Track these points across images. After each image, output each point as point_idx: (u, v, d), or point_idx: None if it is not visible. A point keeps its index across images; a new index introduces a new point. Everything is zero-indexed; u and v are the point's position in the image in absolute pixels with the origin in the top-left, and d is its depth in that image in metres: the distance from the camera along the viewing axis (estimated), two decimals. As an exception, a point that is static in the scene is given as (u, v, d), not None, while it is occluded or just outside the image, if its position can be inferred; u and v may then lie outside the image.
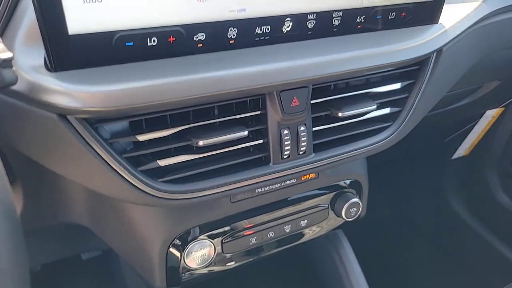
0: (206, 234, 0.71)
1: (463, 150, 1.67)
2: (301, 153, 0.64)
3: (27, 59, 0.47)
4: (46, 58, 0.46)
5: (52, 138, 0.50)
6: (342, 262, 0.95)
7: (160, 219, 0.68)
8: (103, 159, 0.52)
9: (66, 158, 0.53)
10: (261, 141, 0.63)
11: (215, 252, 0.72)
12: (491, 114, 1.54)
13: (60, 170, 0.56)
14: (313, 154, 0.66)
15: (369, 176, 0.88)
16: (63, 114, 0.48)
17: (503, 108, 1.52)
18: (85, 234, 1.05)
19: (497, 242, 1.68)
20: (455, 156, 1.68)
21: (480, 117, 1.53)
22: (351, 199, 0.81)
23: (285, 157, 0.63)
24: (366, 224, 0.95)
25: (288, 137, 0.62)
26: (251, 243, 0.75)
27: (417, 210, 1.97)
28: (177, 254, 0.69)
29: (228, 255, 0.74)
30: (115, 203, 0.70)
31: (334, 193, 0.82)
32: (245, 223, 0.74)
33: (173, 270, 0.71)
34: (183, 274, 0.72)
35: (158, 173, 0.57)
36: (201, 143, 0.56)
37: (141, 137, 0.54)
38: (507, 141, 1.64)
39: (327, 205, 0.81)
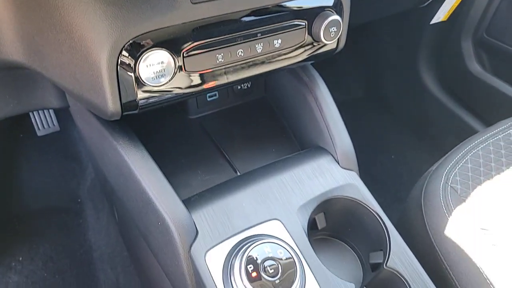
0: (163, 43, 0.60)
1: (442, 13, 1.58)
2: None
3: None
4: None
5: None
6: (319, 104, 0.87)
7: (106, 19, 0.55)
8: None
9: None
10: None
11: (175, 66, 0.61)
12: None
13: None
14: None
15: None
16: None
17: (487, -37, 1.41)
18: (28, 85, 0.92)
19: (464, 114, 1.69)
20: (434, 20, 1.59)
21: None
22: (330, 16, 0.71)
23: None
24: (335, 94, 0.88)
25: None
26: (217, 62, 0.65)
27: (388, 82, 1.93)
28: (130, 63, 0.58)
29: (191, 74, 0.64)
30: (48, 5, 0.57)
31: (312, 11, 0.71)
32: (210, 35, 0.63)
33: (127, 85, 0.60)
34: (139, 94, 0.62)
35: None
36: None
37: None
38: (486, 6, 1.55)
39: (304, 23, 0.71)
